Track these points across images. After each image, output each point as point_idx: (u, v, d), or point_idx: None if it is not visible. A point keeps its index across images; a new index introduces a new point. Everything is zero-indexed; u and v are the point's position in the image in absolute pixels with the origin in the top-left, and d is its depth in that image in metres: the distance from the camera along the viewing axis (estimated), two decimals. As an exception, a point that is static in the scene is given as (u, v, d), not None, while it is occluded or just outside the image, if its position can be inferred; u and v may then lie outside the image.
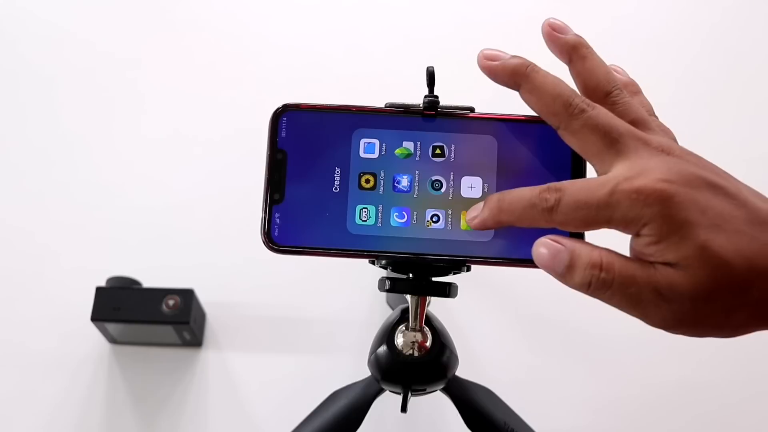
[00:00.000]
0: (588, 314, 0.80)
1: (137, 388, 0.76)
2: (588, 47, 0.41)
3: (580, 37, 0.41)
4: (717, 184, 0.35)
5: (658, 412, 0.76)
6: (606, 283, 0.35)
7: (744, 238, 0.34)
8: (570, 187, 0.36)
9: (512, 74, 0.39)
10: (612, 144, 0.37)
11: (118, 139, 0.88)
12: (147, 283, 0.76)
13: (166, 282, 0.75)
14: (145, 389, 0.76)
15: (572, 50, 0.41)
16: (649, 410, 0.76)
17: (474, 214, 0.39)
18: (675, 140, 0.39)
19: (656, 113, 0.42)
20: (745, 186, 0.37)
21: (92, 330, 0.74)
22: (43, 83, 0.91)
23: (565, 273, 0.36)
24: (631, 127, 0.38)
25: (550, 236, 0.37)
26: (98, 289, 0.73)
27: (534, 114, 0.41)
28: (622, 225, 0.35)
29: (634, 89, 0.42)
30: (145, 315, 0.72)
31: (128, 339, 0.77)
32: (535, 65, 0.39)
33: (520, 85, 0.39)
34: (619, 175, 0.35)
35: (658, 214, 0.34)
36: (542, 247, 0.37)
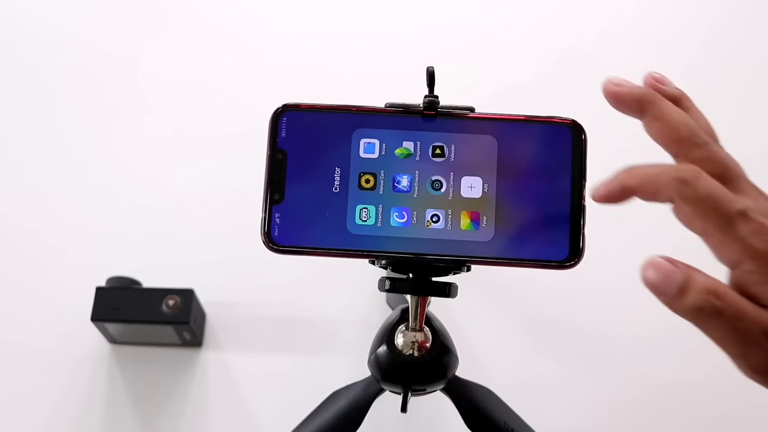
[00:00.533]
0: (588, 315, 0.80)
1: (137, 388, 0.76)
2: (690, 100, 0.41)
3: (682, 90, 0.41)
4: None
5: (659, 413, 0.76)
6: (718, 312, 0.34)
7: None
8: (709, 178, 0.36)
9: (639, 100, 0.39)
10: (731, 180, 0.37)
11: (119, 139, 0.88)
12: (147, 283, 0.76)
13: (166, 282, 0.75)
14: (145, 389, 0.76)
15: (676, 102, 0.41)
16: (649, 411, 0.76)
17: (600, 185, 0.38)
18: None
19: None
20: None
21: (92, 330, 0.74)
22: (43, 83, 0.91)
23: (677, 295, 0.35)
24: (743, 171, 0.38)
25: (660, 256, 0.36)
26: (98, 289, 0.73)
27: (534, 114, 0.41)
28: (730, 245, 0.35)
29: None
30: (145, 315, 0.72)
31: (128, 339, 0.77)
32: (661, 96, 0.40)
33: (646, 111, 0.39)
34: (750, 205, 0.35)
35: None
36: (653, 267, 0.35)
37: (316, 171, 0.45)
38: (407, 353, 0.53)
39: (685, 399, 0.76)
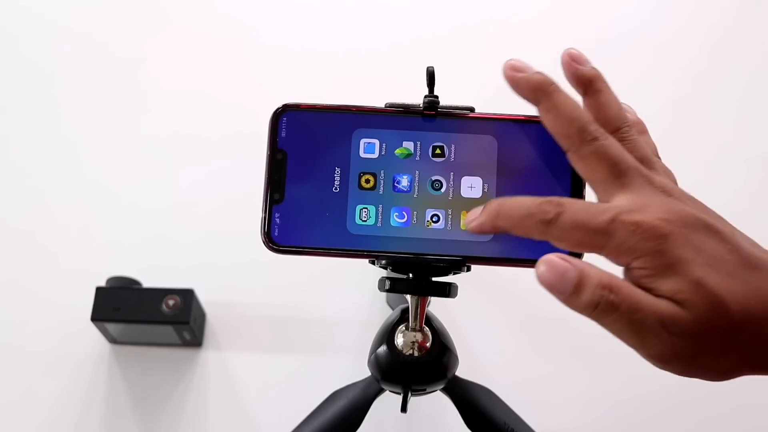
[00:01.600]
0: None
1: (137, 388, 0.76)
2: (604, 81, 0.41)
3: (597, 70, 0.42)
4: (713, 227, 0.36)
5: (658, 412, 0.76)
6: (613, 306, 0.35)
7: (736, 281, 0.35)
8: (571, 205, 0.36)
9: (535, 89, 0.40)
10: (618, 176, 0.37)
11: (119, 138, 0.88)
12: (147, 283, 0.76)
13: (166, 282, 0.75)
14: (145, 389, 0.76)
15: (588, 83, 0.41)
16: (649, 411, 0.76)
17: (472, 218, 0.39)
18: (676, 183, 0.40)
19: (660, 118, 0.42)
20: (739, 231, 0.38)
21: (92, 330, 0.74)
22: (44, 82, 0.91)
23: (572, 293, 0.36)
24: (638, 164, 0.38)
25: (554, 254, 0.36)
26: (98, 289, 0.73)
27: (534, 114, 0.41)
28: (614, 254, 0.36)
29: (642, 129, 0.43)
30: (145, 315, 0.72)
31: (128, 339, 0.77)
32: (558, 85, 0.40)
33: (540, 102, 0.40)
34: (621, 206, 0.36)
35: (653, 248, 0.35)
36: (546, 264, 0.36)
37: (316, 171, 0.45)
38: (407, 353, 0.53)
39: (685, 399, 0.76)
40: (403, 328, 0.53)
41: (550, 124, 0.39)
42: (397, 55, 0.93)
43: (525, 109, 0.42)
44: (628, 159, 0.38)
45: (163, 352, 0.77)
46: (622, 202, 0.37)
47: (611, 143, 0.38)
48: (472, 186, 0.45)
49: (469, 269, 0.47)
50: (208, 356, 0.78)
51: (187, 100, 0.90)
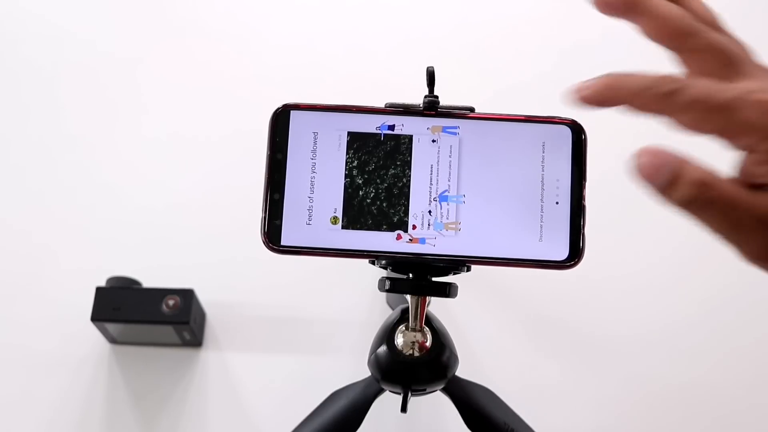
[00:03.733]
0: (589, 314, 0.80)
1: (137, 388, 0.76)
2: None
3: None
4: None
5: (659, 412, 0.75)
6: (709, 202, 0.34)
7: None
8: (694, 81, 0.35)
9: (631, 2, 0.39)
10: (732, 64, 0.37)
11: (119, 138, 0.88)
12: (147, 283, 0.76)
13: (166, 282, 0.75)
14: (145, 389, 0.76)
15: None
16: (649, 410, 0.76)
17: (584, 86, 0.37)
18: None
19: None
20: None
21: (92, 330, 0.74)
22: (43, 84, 0.91)
23: (668, 186, 0.34)
24: (748, 52, 0.38)
25: (653, 145, 0.34)
26: (98, 289, 0.73)
27: (534, 114, 0.41)
28: (737, 133, 0.35)
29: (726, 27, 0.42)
30: (145, 315, 0.72)
31: (128, 339, 0.77)
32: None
33: (638, 12, 0.39)
34: (746, 86, 0.35)
35: None
36: (646, 156, 0.34)
37: (317, 171, 0.45)
38: (407, 353, 0.53)
39: (684, 398, 0.76)
40: (403, 328, 0.53)
41: (652, 30, 0.38)
42: (397, 55, 0.93)
43: (525, 109, 0.42)
44: (737, 48, 0.38)
45: (163, 352, 0.77)
46: (747, 84, 0.36)
47: (718, 36, 0.37)
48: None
49: (469, 269, 0.47)
50: (208, 356, 0.78)
51: (188, 100, 0.90)
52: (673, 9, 0.38)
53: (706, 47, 0.37)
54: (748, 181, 0.35)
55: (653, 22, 0.38)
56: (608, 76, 0.36)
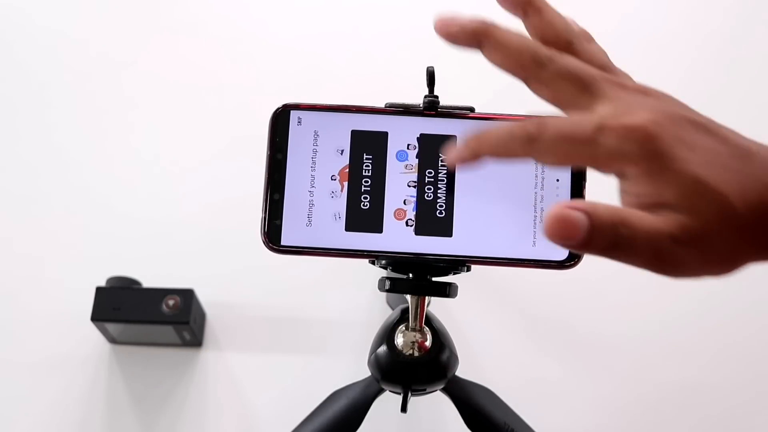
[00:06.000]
0: (589, 314, 0.80)
1: (137, 388, 0.76)
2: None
3: None
4: (698, 122, 0.35)
5: (659, 412, 0.76)
6: (630, 241, 0.33)
7: (733, 173, 0.34)
8: (553, 120, 0.34)
9: (473, 35, 0.38)
10: (586, 88, 0.36)
11: (119, 138, 0.88)
12: (147, 283, 0.76)
13: (166, 282, 0.75)
14: (145, 389, 0.76)
15: (526, 3, 0.40)
16: (649, 411, 0.76)
17: (452, 151, 0.36)
18: None
19: None
20: (722, 124, 0.37)
21: (92, 330, 0.74)
22: (39, 82, 0.91)
23: (587, 239, 0.32)
24: (603, 72, 0.37)
25: (558, 205, 0.33)
26: (98, 289, 0.73)
27: (534, 114, 0.41)
28: (605, 162, 0.34)
29: (588, 37, 0.41)
30: (145, 315, 0.72)
31: (128, 339, 0.77)
32: (495, 23, 0.38)
33: (483, 44, 0.38)
34: (604, 113, 0.34)
35: (647, 151, 0.33)
36: (551, 219, 0.32)
37: (316, 171, 0.45)
38: (407, 353, 0.53)
39: (685, 398, 0.76)
40: (403, 328, 0.53)
41: (501, 62, 0.38)
42: (397, 56, 0.93)
43: (525, 109, 0.42)
44: (591, 70, 0.36)
45: (163, 352, 0.77)
46: (603, 110, 0.35)
47: (568, 60, 0.37)
48: (472, 186, 0.45)
49: (469, 269, 0.47)
50: (208, 356, 0.78)
51: (187, 100, 0.90)
52: (518, 40, 0.37)
53: (555, 77, 0.36)
54: (641, 203, 0.34)
55: (497, 54, 0.38)
56: (469, 135, 0.35)
